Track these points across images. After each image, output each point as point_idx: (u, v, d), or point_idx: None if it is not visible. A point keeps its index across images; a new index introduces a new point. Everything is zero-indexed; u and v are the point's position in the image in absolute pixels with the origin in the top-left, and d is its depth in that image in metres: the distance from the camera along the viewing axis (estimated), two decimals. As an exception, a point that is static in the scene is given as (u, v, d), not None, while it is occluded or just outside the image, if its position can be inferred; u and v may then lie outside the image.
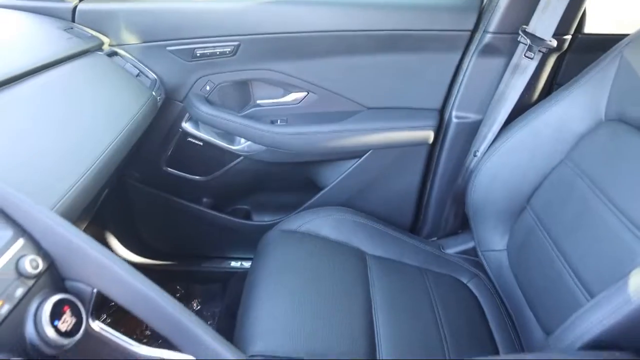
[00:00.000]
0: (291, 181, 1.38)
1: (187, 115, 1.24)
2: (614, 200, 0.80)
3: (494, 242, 1.13)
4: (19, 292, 0.51)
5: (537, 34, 1.04)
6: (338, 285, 0.99)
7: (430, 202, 1.32)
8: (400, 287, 1.04)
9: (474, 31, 1.13)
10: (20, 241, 0.54)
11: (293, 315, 0.90)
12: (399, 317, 0.96)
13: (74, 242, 0.57)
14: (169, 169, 1.33)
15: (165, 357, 0.62)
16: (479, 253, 1.16)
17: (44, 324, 0.52)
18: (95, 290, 0.60)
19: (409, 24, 1.13)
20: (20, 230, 0.55)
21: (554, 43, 1.04)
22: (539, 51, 1.05)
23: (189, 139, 1.27)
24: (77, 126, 0.81)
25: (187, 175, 1.34)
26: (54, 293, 0.55)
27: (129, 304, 0.59)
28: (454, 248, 1.27)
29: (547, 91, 1.19)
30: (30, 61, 0.84)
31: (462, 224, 1.33)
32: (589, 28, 1.17)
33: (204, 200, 1.41)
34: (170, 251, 1.48)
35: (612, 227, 0.78)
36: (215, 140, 1.27)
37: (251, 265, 1.08)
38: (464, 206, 1.17)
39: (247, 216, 1.46)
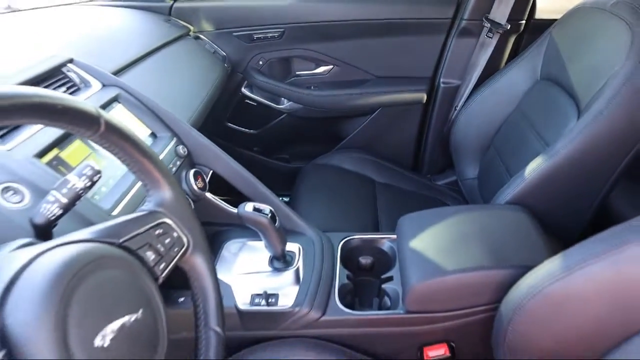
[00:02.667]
0: (320, 133, 1.82)
1: (245, 82, 1.70)
2: (536, 127, 1.21)
3: (469, 172, 1.52)
4: (177, 164, 0.98)
5: (496, 20, 1.46)
6: (354, 196, 1.41)
7: (425, 147, 1.75)
8: (399, 200, 1.44)
9: (453, 19, 1.56)
10: (174, 138, 0.99)
11: (325, 213, 1.33)
12: (393, 216, 1.31)
13: (200, 141, 1.02)
14: (230, 124, 1.79)
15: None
16: (459, 182, 1.57)
17: (191, 181, 0.97)
18: (211, 171, 1.06)
19: (404, 14, 1.57)
20: (173, 132, 1.01)
21: (508, 26, 1.46)
22: (497, 32, 1.47)
23: (246, 100, 1.73)
24: (180, 88, 1.25)
25: (243, 129, 1.80)
26: (192, 168, 1.01)
27: (233, 180, 1.05)
28: (442, 181, 1.71)
29: (511, 63, 1.60)
30: (152, 41, 1.30)
31: (449, 164, 1.74)
32: (539, 15, 1.58)
33: (255, 148, 1.87)
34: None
35: (532, 143, 1.19)
36: (265, 101, 1.73)
37: (293, 190, 1.52)
38: (449, 148, 1.60)
39: (287, 162, 1.92)
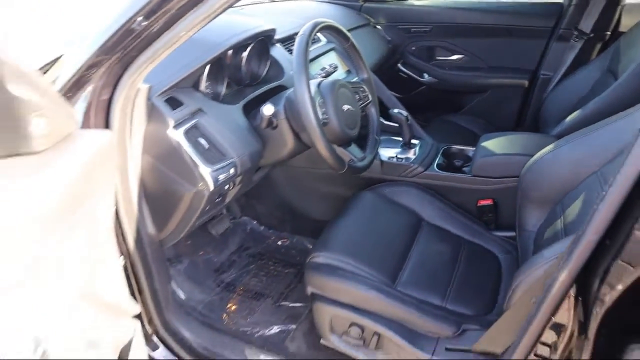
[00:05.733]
0: (447, 102, 2.55)
1: (401, 61, 2.51)
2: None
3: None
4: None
5: (583, 30, 2.07)
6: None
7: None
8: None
9: (554, 27, 2.19)
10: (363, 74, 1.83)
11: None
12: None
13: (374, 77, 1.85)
14: (385, 90, 2.60)
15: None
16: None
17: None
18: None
19: (519, 22, 2.25)
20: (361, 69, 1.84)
21: (591, 35, 2.06)
22: (582, 39, 2.08)
23: (400, 73, 2.53)
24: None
25: (394, 93, 2.60)
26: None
27: (388, 104, 1.86)
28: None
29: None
30: (349, 24, 2.15)
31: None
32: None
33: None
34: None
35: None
36: (413, 75, 2.52)
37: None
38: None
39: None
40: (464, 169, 1.66)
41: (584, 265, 0.74)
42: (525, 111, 2.36)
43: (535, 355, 0.88)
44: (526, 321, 0.84)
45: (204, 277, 1.77)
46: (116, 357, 1.03)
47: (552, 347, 0.86)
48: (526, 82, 2.31)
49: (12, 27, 1.42)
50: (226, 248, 1.92)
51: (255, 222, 2.05)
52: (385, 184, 1.66)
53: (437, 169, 1.64)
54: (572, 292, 0.78)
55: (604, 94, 1.60)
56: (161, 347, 1.39)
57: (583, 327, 0.77)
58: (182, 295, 1.62)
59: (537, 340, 0.84)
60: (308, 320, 1.55)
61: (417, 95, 2.56)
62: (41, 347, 0.73)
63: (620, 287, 0.66)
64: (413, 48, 2.48)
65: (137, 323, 1.10)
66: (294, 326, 1.56)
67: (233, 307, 1.67)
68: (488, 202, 1.59)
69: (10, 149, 0.69)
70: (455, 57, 2.46)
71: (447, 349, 1.17)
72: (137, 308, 1.09)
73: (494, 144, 1.62)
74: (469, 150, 1.73)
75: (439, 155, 1.72)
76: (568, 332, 0.81)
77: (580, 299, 0.79)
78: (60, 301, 0.76)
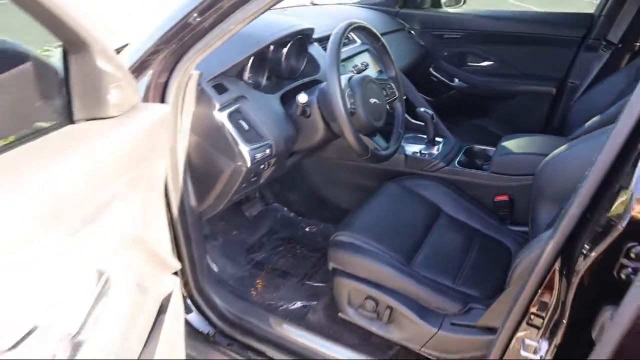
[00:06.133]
0: (475, 107, 2.63)
1: (433, 65, 2.62)
2: None
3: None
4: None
5: (612, 40, 2.13)
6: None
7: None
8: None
9: (583, 37, 2.26)
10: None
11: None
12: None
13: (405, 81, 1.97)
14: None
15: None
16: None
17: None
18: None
19: (548, 32, 2.33)
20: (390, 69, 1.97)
21: (619, 45, 2.12)
22: (610, 49, 2.14)
23: (431, 77, 2.64)
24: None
25: (424, 95, 2.71)
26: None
27: (414, 101, 1.98)
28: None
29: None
30: (384, 28, 2.28)
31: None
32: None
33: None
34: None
35: None
36: (443, 79, 2.62)
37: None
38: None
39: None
40: (484, 167, 1.76)
41: (568, 239, 0.84)
42: (552, 117, 2.43)
43: (528, 324, 0.99)
44: (517, 292, 0.95)
45: (236, 254, 1.93)
46: (157, 308, 1.19)
47: (543, 317, 0.96)
48: (554, 90, 2.38)
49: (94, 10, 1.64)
50: (258, 230, 2.07)
51: (285, 209, 2.19)
52: (408, 177, 1.77)
53: (457, 165, 1.75)
54: (557, 265, 0.88)
55: (622, 101, 1.67)
56: (194, 312, 1.54)
57: (565, 296, 0.87)
58: (215, 268, 1.78)
59: (527, 309, 0.95)
60: (328, 297, 1.68)
61: (447, 99, 2.66)
62: (104, 277, 0.88)
63: (593, 255, 0.76)
64: (445, 53, 2.59)
65: (177, 280, 1.25)
66: (315, 302, 1.69)
67: (261, 283, 1.81)
68: (504, 197, 1.69)
69: (92, 113, 0.86)
70: (485, 63, 2.55)
71: (452, 324, 1.28)
72: (178, 264, 1.24)
73: (513, 144, 1.72)
74: (490, 150, 1.83)
75: (460, 153, 1.82)
76: (554, 302, 0.91)
77: (564, 272, 0.89)
78: (120, 240, 0.91)
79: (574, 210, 0.81)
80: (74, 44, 0.78)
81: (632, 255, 0.72)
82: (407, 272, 1.35)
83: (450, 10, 2.66)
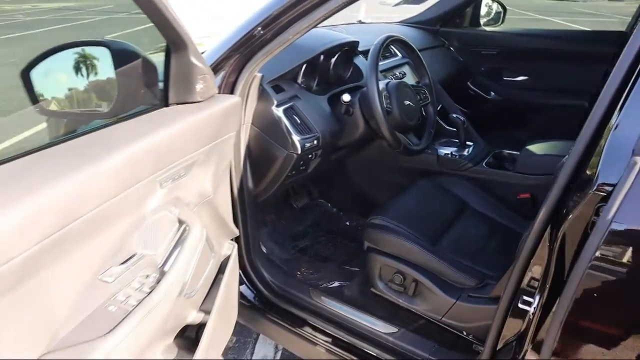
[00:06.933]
0: (509, 120, 2.79)
1: (470, 79, 2.81)
2: None
3: None
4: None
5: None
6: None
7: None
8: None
9: (615, 53, 2.39)
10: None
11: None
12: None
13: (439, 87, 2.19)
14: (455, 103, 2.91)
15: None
16: None
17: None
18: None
19: (577, 48, 2.48)
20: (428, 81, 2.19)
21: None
22: None
23: (469, 90, 2.83)
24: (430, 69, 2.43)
25: (461, 107, 2.90)
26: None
27: (449, 109, 2.19)
28: None
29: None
30: (426, 44, 2.51)
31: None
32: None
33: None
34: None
35: None
36: (480, 92, 2.81)
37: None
38: None
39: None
40: (509, 168, 1.94)
41: (556, 210, 1.03)
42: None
43: (528, 286, 1.17)
44: (515, 257, 1.14)
45: (283, 240, 2.17)
46: (217, 268, 1.44)
47: (537, 279, 1.14)
48: (586, 103, 2.52)
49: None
50: (303, 222, 2.31)
51: (329, 204, 2.43)
52: (439, 175, 1.98)
53: (484, 166, 1.94)
54: (547, 233, 1.07)
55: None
56: (244, 284, 1.79)
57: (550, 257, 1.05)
58: (264, 250, 2.03)
59: (524, 272, 1.13)
60: (363, 277, 1.89)
61: (482, 111, 2.84)
62: (183, 226, 1.14)
63: (571, 216, 0.95)
64: (482, 69, 2.78)
65: (235, 246, 1.50)
66: (350, 282, 1.90)
67: (304, 266, 2.04)
68: (526, 195, 1.86)
69: (183, 98, 1.13)
70: (520, 78, 2.72)
71: (469, 296, 1.47)
72: (237, 231, 1.49)
73: (537, 147, 1.89)
74: (517, 154, 2.01)
75: (489, 156, 2.01)
76: (544, 265, 1.09)
77: (552, 239, 1.07)
78: (198, 197, 1.17)
79: (561, 181, 1.00)
80: (176, 45, 1.06)
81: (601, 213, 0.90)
82: (432, 250, 1.55)
83: (487, 28, 2.86)
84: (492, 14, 2.94)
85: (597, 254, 0.83)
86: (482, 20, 2.85)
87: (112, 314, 0.93)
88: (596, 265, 0.84)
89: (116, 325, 0.90)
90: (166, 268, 1.07)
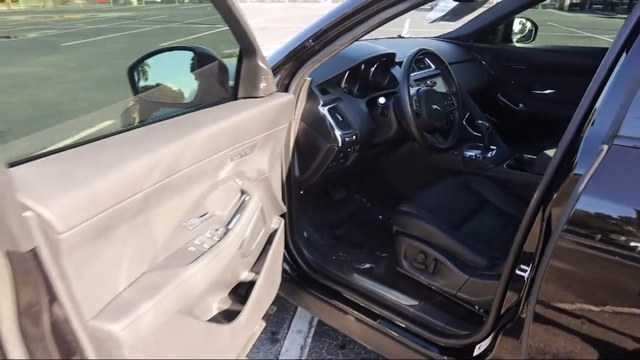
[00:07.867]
0: (536, 130, 2.98)
1: (501, 91, 3.02)
2: None
3: None
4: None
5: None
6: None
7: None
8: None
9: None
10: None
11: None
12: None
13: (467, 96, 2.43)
14: (484, 113, 3.12)
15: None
16: None
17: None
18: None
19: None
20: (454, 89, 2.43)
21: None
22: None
23: (498, 102, 3.04)
24: (461, 80, 2.65)
25: (490, 117, 3.11)
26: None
27: (474, 115, 2.42)
28: None
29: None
30: (459, 57, 2.75)
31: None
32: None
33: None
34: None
35: None
36: (509, 103, 3.01)
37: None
38: None
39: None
40: (528, 170, 2.15)
41: (548, 190, 1.26)
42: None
43: (524, 257, 1.39)
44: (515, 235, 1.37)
45: (322, 228, 2.44)
46: (265, 238, 1.71)
47: (533, 252, 1.36)
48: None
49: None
50: (340, 213, 2.58)
51: (364, 199, 2.69)
52: (464, 174, 2.21)
53: (505, 167, 2.16)
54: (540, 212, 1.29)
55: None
56: (286, 261, 2.05)
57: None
58: (305, 234, 2.30)
59: (522, 246, 1.36)
60: (390, 258, 2.13)
61: (510, 121, 3.04)
62: (245, 195, 1.43)
63: (554, 197, 1.18)
64: (512, 82, 2.99)
65: (282, 221, 1.78)
66: (379, 263, 2.15)
67: (339, 250, 2.31)
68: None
69: (249, 93, 1.43)
70: (548, 91, 2.91)
71: (481, 274, 1.70)
72: (284, 208, 1.78)
73: (554, 151, 2.09)
74: (535, 158, 2.21)
75: (510, 159, 2.23)
76: (537, 239, 1.31)
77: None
78: (257, 174, 1.47)
79: (550, 168, 1.24)
80: (248, 50, 1.36)
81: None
82: (451, 234, 1.79)
83: (517, 44, 3.07)
84: (525, 32, 3.15)
85: (565, 227, 1.06)
86: (515, 37, 3.07)
87: (192, 252, 1.22)
88: (564, 237, 1.07)
89: (194, 259, 1.19)
90: (230, 226, 1.36)
